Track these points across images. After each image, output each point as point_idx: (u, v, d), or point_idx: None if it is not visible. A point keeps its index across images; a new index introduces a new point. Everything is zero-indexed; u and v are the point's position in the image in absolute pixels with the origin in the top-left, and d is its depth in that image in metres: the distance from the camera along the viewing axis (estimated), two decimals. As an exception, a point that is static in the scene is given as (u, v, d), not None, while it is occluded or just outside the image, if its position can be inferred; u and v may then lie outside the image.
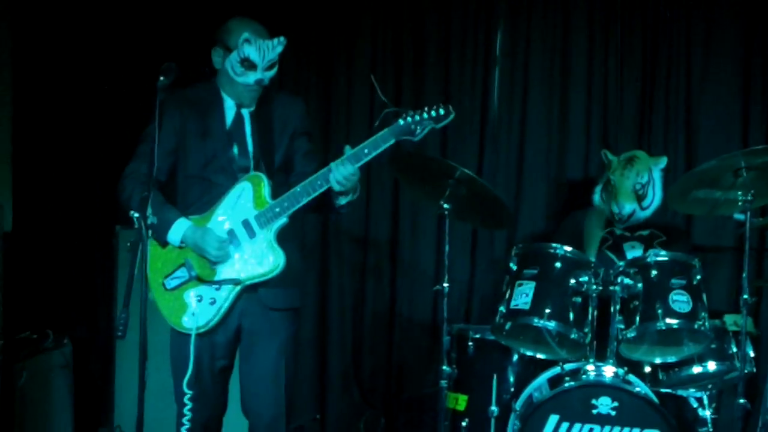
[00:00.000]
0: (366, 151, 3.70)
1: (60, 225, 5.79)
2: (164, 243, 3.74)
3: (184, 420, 3.67)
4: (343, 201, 3.82)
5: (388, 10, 5.98)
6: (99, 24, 5.79)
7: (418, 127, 3.72)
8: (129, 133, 5.57)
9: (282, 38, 3.77)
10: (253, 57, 3.72)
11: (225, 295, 3.71)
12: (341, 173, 3.65)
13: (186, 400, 3.66)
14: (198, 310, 3.70)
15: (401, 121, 3.72)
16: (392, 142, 3.72)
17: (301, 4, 5.91)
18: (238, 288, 3.72)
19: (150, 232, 3.51)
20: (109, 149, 5.78)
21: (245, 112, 3.87)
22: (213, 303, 3.71)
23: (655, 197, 4.95)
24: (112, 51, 5.80)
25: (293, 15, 5.83)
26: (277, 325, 3.81)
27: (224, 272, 3.72)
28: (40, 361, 5.09)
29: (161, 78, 3.35)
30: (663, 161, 5.01)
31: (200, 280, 3.71)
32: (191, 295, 3.71)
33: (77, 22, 5.78)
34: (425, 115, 3.73)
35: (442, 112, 3.76)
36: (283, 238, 3.75)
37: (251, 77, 3.75)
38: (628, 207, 4.89)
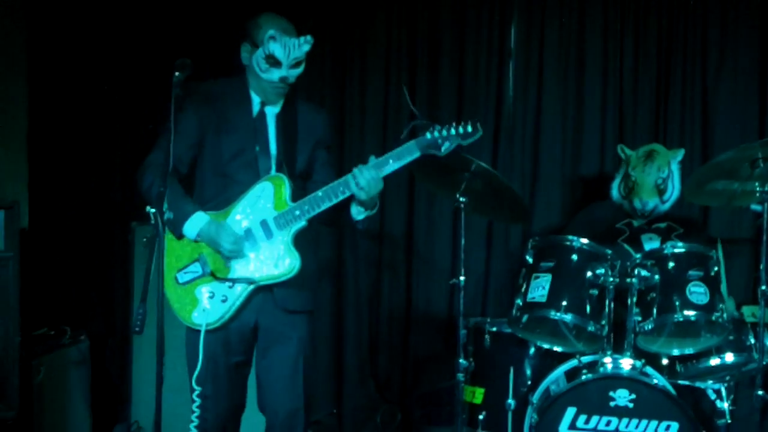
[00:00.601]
0: (390, 161, 3.68)
1: (76, 221, 5.80)
2: (179, 236, 3.73)
3: (193, 417, 3.66)
4: (361, 215, 3.79)
5: (403, 3, 5.97)
6: (117, 17, 5.80)
7: (445, 143, 3.68)
8: (146, 128, 5.64)
9: (309, 37, 3.74)
10: (278, 54, 3.70)
11: (237, 294, 3.69)
12: (365, 177, 3.63)
13: (195, 396, 3.65)
14: (209, 306, 3.69)
15: (428, 135, 3.68)
16: (417, 155, 3.68)
17: (313, 3, 5.91)
18: (251, 287, 3.70)
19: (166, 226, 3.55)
20: (125, 145, 5.81)
21: (269, 111, 3.85)
22: (225, 300, 3.69)
23: (674, 190, 4.96)
24: (130, 45, 5.81)
25: (306, 11, 5.84)
26: (294, 325, 3.80)
27: (239, 270, 3.70)
28: (58, 357, 5.10)
29: (176, 73, 3.34)
30: (680, 153, 5.01)
31: (214, 276, 3.70)
32: (203, 291, 3.70)
33: (94, 16, 5.79)
34: (453, 131, 3.69)
35: (470, 129, 3.70)
36: (298, 242, 3.73)
37: (276, 74, 3.73)
38: (652, 202, 4.91)
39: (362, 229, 3.89)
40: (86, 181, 5.82)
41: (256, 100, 3.85)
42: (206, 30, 5.72)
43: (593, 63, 5.83)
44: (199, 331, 3.67)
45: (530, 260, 4.44)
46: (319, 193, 3.67)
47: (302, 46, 3.74)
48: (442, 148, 3.69)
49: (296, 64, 3.77)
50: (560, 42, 5.86)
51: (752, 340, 4.43)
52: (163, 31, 5.77)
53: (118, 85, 5.82)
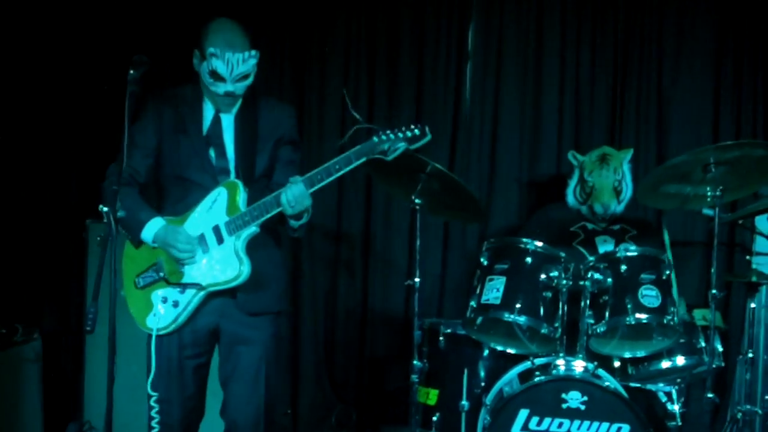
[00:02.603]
0: (337, 166, 3.61)
1: (30, 219, 5.74)
2: (138, 242, 3.72)
3: (153, 423, 3.65)
4: (295, 224, 3.73)
5: (363, 6, 5.98)
6: (75, 17, 5.75)
7: (392, 147, 3.62)
8: (102, 126, 5.61)
9: (254, 51, 3.69)
10: (220, 71, 3.64)
11: (188, 299, 3.68)
12: (292, 192, 3.57)
13: (152, 402, 3.64)
14: (161, 310, 3.68)
15: (375, 139, 3.62)
16: (363, 159, 3.62)
17: (274, 3, 5.90)
18: (202, 293, 3.68)
19: (125, 232, 3.58)
20: (81, 142, 5.76)
21: (224, 117, 3.81)
22: (176, 305, 3.69)
23: (627, 190, 4.99)
24: (88, 45, 5.76)
25: (266, 13, 5.84)
26: (257, 328, 3.78)
27: (189, 276, 3.69)
28: (10, 355, 5.06)
29: (131, 71, 3.31)
30: (629, 153, 5.05)
31: (167, 281, 3.69)
32: (158, 295, 3.70)
33: (53, 14, 5.73)
34: (399, 135, 3.63)
35: (417, 132, 3.64)
36: (261, 243, 3.73)
37: (221, 88, 3.68)
38: (613, 205, 4.93)
39: (300, 236, 3.85)
40: (41, 178, 5.76)
41: (209, 106, 3.82)
42: (166, 32, 5.68)
43: (550, 66, 5.87)
44: (158, 336, 3.67)
45: (485, 262, 4.44)
46: (268, 198, 3.64)
47: (247, 60, 3.68)
48: (389, 153, 3.64)
49: (242, 78, 3.71)
50: (518, 45, 5.90)
51: (703, 343, 4.47)
52: (123, 31, 5.72)
53: (74, 83, 5.77)
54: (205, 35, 3.70)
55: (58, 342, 5.63)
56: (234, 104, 3.81)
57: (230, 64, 3.65)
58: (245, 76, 3.71)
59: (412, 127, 3.66)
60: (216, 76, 3.67)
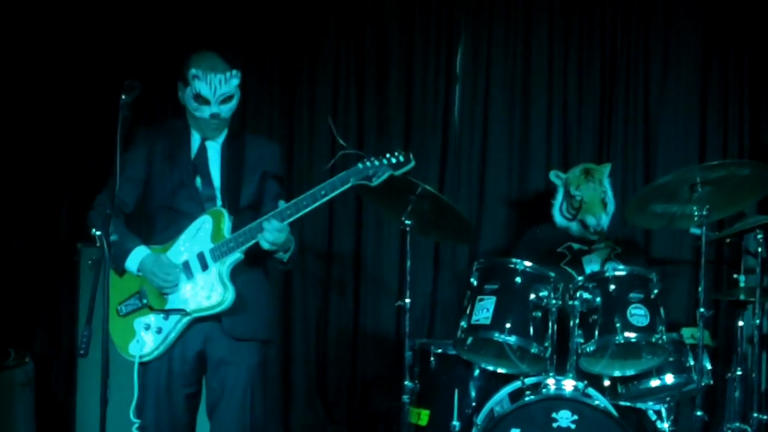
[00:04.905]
0: (323, 192, 3.66)
1: (21, 243, 5.75)
2: (122, 271, 3.73)
3: None
4: (284, 257, 3.77)
5: (351, 27, 6.02)
6: (68, 44, 5.79)
7: (377, 172, 3.69)
8: (93, 151, 5.62)
9: (236, 71, 3.76)
10: (204, 92, 3.70)
11: (172, 326, 3.69)
12: (269, 232, 3.60)
13: (134, 429, 3.65)
14: (144, 337, 3.69)
15: (360, 165, 3.69)
16: (349, 185, 3.68)
17: (263, 22, 5.94)
18: (186, 319, 3.70)
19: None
20: (73, 166, 5.77)
21: (210, 144, 3.85)
22: (159, 332, 3.70)
23: (611, 203, 5.03)
24: (79, 70, 5.80)
25: (255, 39, 5.89)
26: (243, 353, 3.78)
27: (173, 302, 3.70)
28: (2, 379, 5.06)
29: (123, 96, 3.33)
30: (608, 168, 5.11)
31: (151, 308, 3.70)
32: (140, 323, 3.72)
33: (44, 42, 5.76)
34: (384, 161, 3.70)
35: (401, 158, 3.71)
36: (248, 269, 3.76)
37: (206, 111, 3.73)
38: (604, 218, 4.97)
39: (289, 269, 3.91)
40: (33, 201, 5.78)
41: (196, 136, 3.86)
42: (157, 57, 5.72)
43: (538, 87, 5.91)
44: (140, 363, 3.68)
45: (475, 282, 4.45)
46: (254, 224, 3.67)
47: (230, 81, 3.75)
48: (373, 179, 3.70)
49: (226, 99, 3.76)
50: (506, 66, 5.93)
51: (692, 362, 4.49)
52: (115, 58, 5.75)
53: (64, 107, 5.79)
54: (186, 64, 3.76)
55: (50, 366, 5.63)
56: (220, 130, 3.85)
57: (213, 85, 3.71)
58: (229, 98, 3.76)
59: (396, 153, 3.73)
60: (200, 99, 3.72)
